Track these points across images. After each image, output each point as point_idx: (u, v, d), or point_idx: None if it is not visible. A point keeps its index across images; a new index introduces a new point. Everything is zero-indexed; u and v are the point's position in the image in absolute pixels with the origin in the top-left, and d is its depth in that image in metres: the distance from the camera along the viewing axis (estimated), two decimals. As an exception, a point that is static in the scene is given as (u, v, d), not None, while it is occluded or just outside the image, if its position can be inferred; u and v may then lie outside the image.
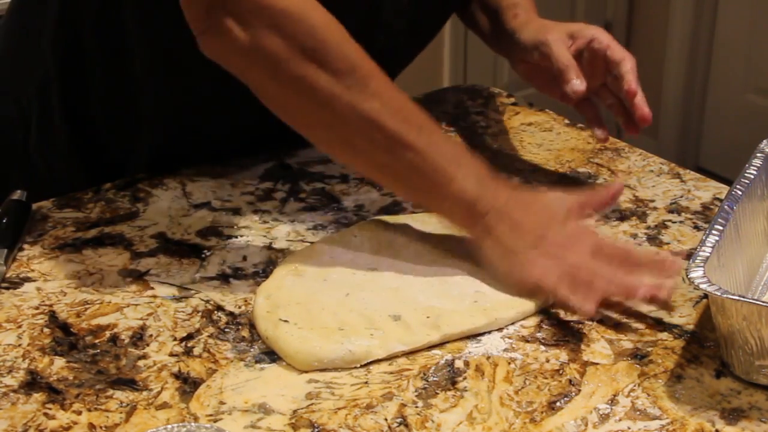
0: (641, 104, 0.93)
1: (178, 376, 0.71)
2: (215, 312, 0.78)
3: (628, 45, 2.97)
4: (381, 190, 0.97)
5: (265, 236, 0.89)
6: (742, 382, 0.70)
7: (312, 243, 0.87)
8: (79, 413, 0.67)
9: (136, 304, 0.79)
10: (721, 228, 0.74)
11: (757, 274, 0.81)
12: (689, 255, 0.74)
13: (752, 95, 2.84)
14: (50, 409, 0.68)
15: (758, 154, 0.85)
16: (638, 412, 0.67)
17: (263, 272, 0.83)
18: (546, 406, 0.68)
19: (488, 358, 0.73)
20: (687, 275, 0.69)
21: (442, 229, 0.87)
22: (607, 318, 0.77)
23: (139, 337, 0.75)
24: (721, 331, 0.70)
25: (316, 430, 0.66)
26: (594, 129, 0.99)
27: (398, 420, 0.66)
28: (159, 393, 0.69)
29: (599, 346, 0.74)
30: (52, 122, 1.01)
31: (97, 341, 0.75)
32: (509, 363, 0.72)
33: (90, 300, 0.80)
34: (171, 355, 0.73)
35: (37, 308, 0.79)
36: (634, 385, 0.70)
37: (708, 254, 0.71)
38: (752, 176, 0.82)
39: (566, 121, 1.14)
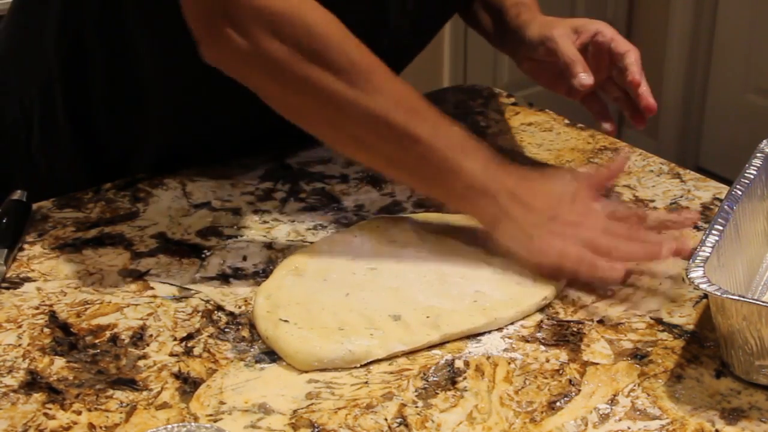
0: (646, 94, 0.93)
1: (178, 376, 0.71)
2: (215, 312, 0.78)
3: (628, 45, 2.96)
4: (381, 190, 0.97)
5: (265, 236, 0.89)
6: (742, 382, 0.70)
7: (312, 243, 0.87)
8: (79, 413, 0.67)
9: (136, 304, 0.79)
10: (721, 228, 0.74)
11: (757, 274, 0.81)
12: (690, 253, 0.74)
13: (752, 95, 2.84)
14: (50, 409, 0.68)
15: (758, 154, 0.85)
16: (638, 412, 0.67)
17: (263, 272, 0.83)
18: (546, 406, 0.68)
19: (488, 358, 0.73)
20: (687, 275, 0.69)
21: (442, 229, 0.87)
22: (607, 318, 0.77)
23: (139, 337, 0.75)
24: (721, 331, 0.70)
25: (316, 430, 0.66)
26: (601, 123, 0.99)
27: (398, 420, 0.66)
28: (159, 393, 0.69)
29: (599, 346, 0.74)
30: (55, 122, 1.01)
31: (97, 341, 0.75)
32: (509, 363, 0.72)
33: (90, 300, 0.80)
34: (171, 355, 0.73)
35: (37, 308, 0.79)
36: (634, 385, 0.70)
37: (708, 254, 0.71)
38: (752, 176, 0.82)
39: (566, 121, 1.14)
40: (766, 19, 2.73)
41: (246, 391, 0.69)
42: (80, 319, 0.77)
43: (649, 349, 0.74)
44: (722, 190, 0.97)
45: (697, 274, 0.69)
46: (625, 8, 3.06)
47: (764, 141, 0.87)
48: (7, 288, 0.81)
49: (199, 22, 0.80)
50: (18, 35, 1.04)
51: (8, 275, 0.83)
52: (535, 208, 0.81)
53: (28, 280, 0.83)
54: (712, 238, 0.73)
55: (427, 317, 0.75)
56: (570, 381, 0.70)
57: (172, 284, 0.82)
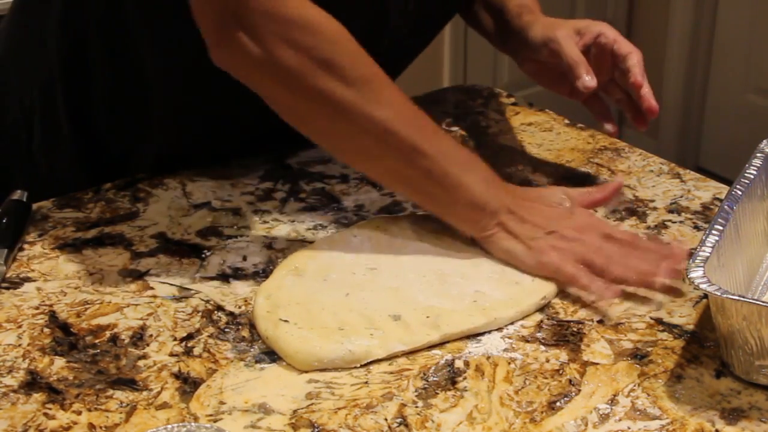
0: (648, 96, 0.94)
1: (178, 376, 0.71)
2: (215, 312, 0.78)
3: (628, 45, 2.96)
4: (381, 190, 0.97)
5: (265, 236, 0.89)
6: (742, 382, 0.70)
7: (312, 243, 0.87)
8: (79, 413, 0.67)
9: (136, 304, 0.79)
10: (721, 228, 0.74)
11: (757, 274, 0.81)
12: (690, 253, 0.74)
13: (752, 95, 2.84)
14: (50, 409, 0.68)
15: (758, 154, 0.85)
16: (638, 412, 0.67)
17: (263, 272, 0.83)
18: (546, 406, 0.68)
19: (488, 358, 0.73)
20: (687, 275, 0.69)
21: (442, 229, 0.87)
22: (607, 318, 0.77)
23: (139, 337, 0.75)
24: (721, 331, 0.70)
25: (316, 430, 0.66)
26: (603, 124, 0.99)
27: (398, 420, 0.66)
28: (159, 393, 0.69)
29: (599, 346, 0.74)
30: (56, 122, 1.01)
31: (97, 341, 0.75)
32: (509, 363, 0.72)
33: (90, 300, 0.80)
34: (171, 355, 0.73)
35: (37, 308, 0.79)
36: (634, 385, 0.70)
37: (708, 254, 0.71)
38: (752, 176, 0.82)
39: (566, 121, 1.14)
40: (766, 19, 2.73)
41: (246, 391, 0.69)
42: (80, 319, 0.77)
43: (649, 349, 0.74)
44: (722, 190, 0.97)
45: (697, 274, 0.69)
46: (625, 8, 3.06)
47: (764, 141, 0.87)
48: (7, 288, 0.81)
49: (210, 26, 0.80)
50: (19, 35, 1.03)
51: (8, 275, 0.83)
52: (534, 223, 0.82)
53: (28, 280, 0.83)
54: (712, 238, 0.73)
55: (427, 317, 0.75)
56: (570, 381, 0.70)
57: (172, 284, 0.82)
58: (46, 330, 0.76)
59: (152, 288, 0.81)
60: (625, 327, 0.76)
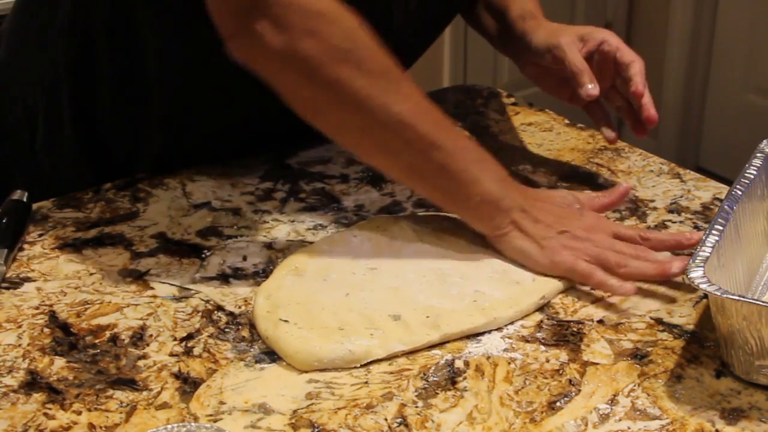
0: (648, 105, 0.95)
1: (178, 376, 0.71)
2: (215, 312, 0.78)
3: (628, 45, 2.96)
4: (381, 190, 0.97)
5: (265, 236, 0.89)
6: (742, 382, 0.70)
7: (312, 243, 0.87)
8: (79, 413, 0.67)
9: (136, 304, 0.79)
10: (721, 228, 0.74)
11: (757, 274, 0.81)
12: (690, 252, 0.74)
13: (752, 95, 2.84)
14: (50, 409, 0.68)
15: (758, 154, 0.85)
16: (638, 412, 0.67)
17: (263, 272, 0.83)
18: (546, 406, 0.68)
19: (488, 358, 0.73)
20: (687, 275, 0.69)
21: (442, 229, 0.87)
22: (607, 318, 0.77)
23: (139, 337, 0.75)
24: (721, 331, 0.70)
25: (316, 430, 0.66)
26: (603, 130, 1.00)
27: (398, 420, 0.66)
28: (159, 393, 0.69)
29: (599, 346, 0.74)
30: (60, 122, 1.01)
31: (97, 341, 0.75)
32: (509, 363, 0.72)
33: (90, 300, 0.80)
34: (171, 355, 0.73)
35: (37, 308, 0.79)
36: (634, 385, 0.70)
37: (708, 254, 0.71)
38: (752, 176, 0.82)
39: (566, 121, 1.14)
40: (766, 19, 2.73)
41: (246, 391, 0.69)
42: (80, 319, 0.77)
43: (649, 349, 0.74)
44: (722, 190, 0.97)
45: (697, 274, 0.69)
46: (625, 8, 3.06)
47: (764, 141, 0.87)
48: (7, 288, 0.81)
49: (229, 16, 0.79)
50: (23, 35, 1.03)
51: (8, 275, 0.83)
52: (546, 222, 0.83)
53: (28, 280, 0.83)
54: (712, 238, 0.73)
55: (427, 317, 0.75)
56: (570, 381, 0.70)
57: (172, 284, 0.82)
58: (46, 330, 0.76)
59: (152, 288, 0.81)
60: (625, 327, 0.76)
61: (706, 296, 0.77)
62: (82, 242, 0.88)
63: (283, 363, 0.72)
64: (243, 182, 0.99)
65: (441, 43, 2.66)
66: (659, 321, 0.77)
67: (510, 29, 1.03)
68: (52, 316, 0.78)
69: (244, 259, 0.86)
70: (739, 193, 0.79)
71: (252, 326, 0.76)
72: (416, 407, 0.68)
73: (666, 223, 0.92)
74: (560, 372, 0.71)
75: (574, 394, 0.69)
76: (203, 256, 0.86)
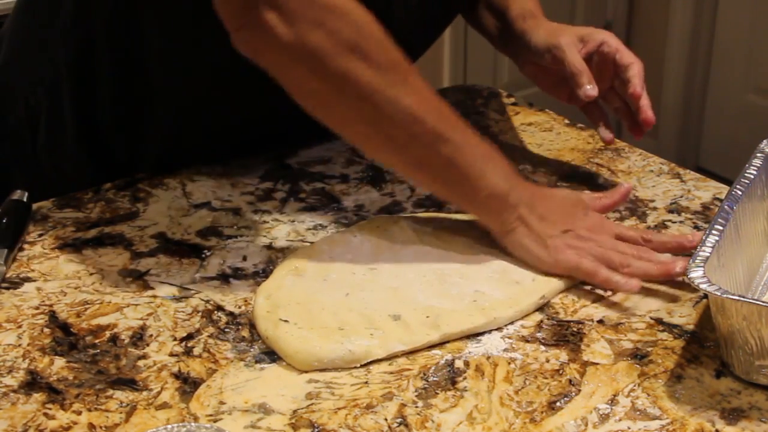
0: (645, 107, 0.95)
1: (178, 376, 0.71)
2: (215, 312, 0.78)
3: (628, 45, 2.95)
4: (381, 190, 0.97)
5: (265, 236, 0.89)
6: (742, 382, 0.70)
7: (312, 243, 0.87)
8: (79, 413, 0.67)
9: (136, 304, 0.79)
10: (721, 228, 0.74)
11: (757, 274, 0.81)
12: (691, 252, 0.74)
13: (752, 95, 2.84)
14: (50, 409, 0.68)
15: (758, 154, 0.85)
16: (638, 412, 0.67)
17: (263, 272, 0.83)
18: (546, 406, 0.68)
19: (488, 358, 0.73)
20: (687, 275, 0.69)
21: (442, 229, 0.87)
22: (607, 318, 0.77)
23: (139, 337, 0.75)
24: (721, 331, 0.70)
25: (316, 430, 0.66)
26: (600, 131, 1.00)
27: (398, 420, 0.66)
28: (159, 393, 0.69)
29: (599, 346, 0.74)
30: (61, 122, 1.01)
31: (97, 341, 0.75)
32: (509, 363, 0.72)
33: (90, 300, 0.80)
34: (171, 355, 0.73)
35: (37, 308, 0.79)
36: (634, 385, 0.70)
37: (708, 254, 0.71)
38: (752, 176, 0.82)
39: (566, 121, 1.14)
40: (766, 19, 2.73)
41: (246, 391, 0.69)
42: (80, 319, 0.77)
43: (649, 349, 0.74)
44: (722, 190, 0.97)
45: (697, 274, 0.69)
46: (625, 8, 3.05)
47: (764, 141, 0.87)
48: (7, 288, 0.81)
49: (237, 8, 0.79)
50: (25, 35, 1.03)
51: (8, 275, 0.83)
52: (551, 219, 0.83)
53: (28, 280, 0.83)
54: (712, 238, 0.73)
55: (427, 317, 0.75)
56: (570, 381, 0.70)
57: (172, 284, 0.82)
58: (46, 330, 0.76)
59: (152, 288, 0.81)
60: (625, 327, 0.76)
61: (706, 296, 0.77)
62: (82, 242, 0.88)
63: (283, 363, 0.72)
64: (243, 182, 0.99)
65: (441, 43, 2.66)
66: (659, 321, 0.77)
67: (510, 28, 1.04)
68: (52, 316, 0.78)
69: (244, 259, 0.86)
70: (739, 193, 0.79)
71: (252, 326, 0.76)
72: (416, 407, 0.68)
73: (666, 223, 0.92)
74: (560, 372, 0.71)
75: (574, 394, 0.69)
76: (203, 256, 0.86)
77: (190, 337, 0.75)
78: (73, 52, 0.98)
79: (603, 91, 0.98)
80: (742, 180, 0.81)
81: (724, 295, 0.67)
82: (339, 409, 0.68)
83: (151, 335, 0.75)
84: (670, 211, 0.94)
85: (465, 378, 0.71)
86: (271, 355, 0.73)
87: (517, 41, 1.03)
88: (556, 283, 0.80)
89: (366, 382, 0.70)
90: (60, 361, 0.72)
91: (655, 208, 0.94)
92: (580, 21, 2.84)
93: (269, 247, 0.88)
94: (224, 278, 0.83)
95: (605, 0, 3.02)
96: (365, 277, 0.81)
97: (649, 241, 0.84)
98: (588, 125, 1.10)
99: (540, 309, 0.79)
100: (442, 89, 1.31)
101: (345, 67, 0.78)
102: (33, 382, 0.70)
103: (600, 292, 0.81)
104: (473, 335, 0.75)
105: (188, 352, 0.74)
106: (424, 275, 0.81)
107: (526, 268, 0.82)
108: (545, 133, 1.11)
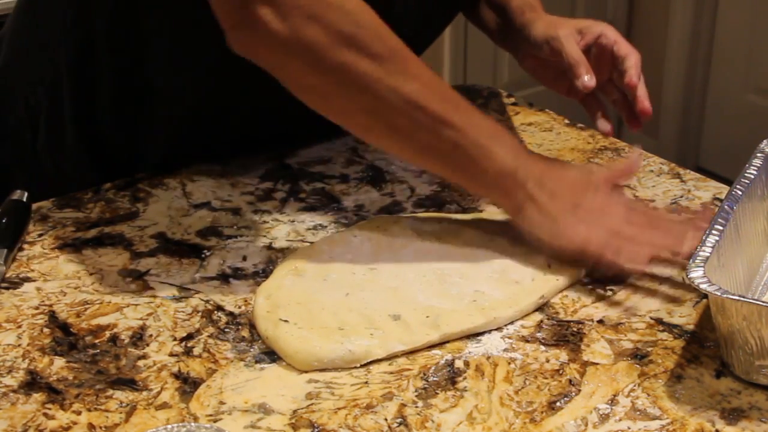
0: (642, 98, 0.95)
1: (178, 376, 0.71)
2: (215, 312, 0.78)
3: (628, 45, 2.95)
4: (381, 190, 0.97)
5: (265, 236, 0.89)
6: (742, 382, 0.70)
7: (312, 243, 0.87)
8: (79, 413, 0.67)
9: (136, 304, 0.79)
10: (721, 228, 0.74)
11: (757, 274, 0.81)
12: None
13: (752, 95, 2.84)
14: (50, 409, 0.68)
15: (758, 154, 0.85)
16: (638, 412, 0.67)
17: (263, 272, 0.83)
18: (546, 406, 0.68)
19: (488, 358, 0.73)
20: (687, 275, 0.69)
21: (442, 229, 0.87)
22: (607, 318, 0.77)
23: (139, 337, 0.75)
24: (721, 331, 0.70)
25: (316, 430, 0.66)
26: (598, 122, 1.00)
27: (398, 420, 0.66)
28: (159, 393, 0.69)
29: (599, 346, 0.74)
30: (62, 122, 1.01)
31: (97, 341, 0.75)
32: (509, 363, 0.72)
33: (90, 300, 0.80)
34: (171, 355, 0.73)
35: (37, 308, 0.79)
36: (634, 385, 0.70)
37: (708, 254, 0.71)
38: (752, 176, 0.82)
39: (566, 121, 1.14)
40: (766, 19, 2.73)
41: (246, 391, 0.69)
42: (80, 319, 0.77)
43: (649, 349, 0.74)
44: (722, 190, 0.97)
45: (697, 274, 0.69)
46: (625, 8, 3.06)
47: (764, 141, 0.87)
48: (7, 288, 0.81)
49: (230, 6, 0.78)
50: (25, 35, 1.03)
51: (8, 275, 0.83)
52: (561, 195, 0.82)
53: (28, 280, 0.83)
54: (712, 238, 0.73)
55: (427, 317, 0.75)
56: (570, 381, 0.70)
57: (172, 284, 0.82)
58: (46, 330, 0.76)
59: (152, 288, 0.81)
60: (625, 327, 0.76)
61: (706, 296, 0.77)
62: (82, 242, 0.88)
63: (283, 363, 0.72)
64: (243, 182, 0.99)
65: (441, 42, 2.66)
66: (659, 321, 0.77)
67: (510, 22, 1.04)
68: (52, 316, 0.78)
69: (244, 259, 0.86)
70: (739, 193, 0.79)
71: (252, 326, 0.76)
72: (416, 407, 0.68)
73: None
74: (560, 372, 0.71)
75: (574, 394, 0.69)
76: (203, 256, 0.86)
77: (190, 337, 0.75)
78: (73, 52, 0.98)
79: (601, 83, 0.98)
80: (742, 180, 0.81)
81: (724, 295, 0.67)
82: (339, 409, 0.68)
83: (151, 335, 0.75)
84: (670, 211, 0.94)
85: (465, 378, 0.71)
86: (271, 355, 0.73)
87: (516, 34, 1.03)
88: (555, 283, 0.80)
89: (366, 382, 0.70)
90: (60, 361, 0.72)
91: (655, 208, 0.94)
92: (580, 21, 2.84)
93: (269, 247, 0.88)
94: (224, 278, 0.83)
95: (605, 0, 3.02)
96: (365, 277, 0.81)
97: (662, 217, 0.85)
98: (588, 125, 1.10)
99: (540, 309, 0.79)
100: (442, 89, 1.31)
101: (342, 59, 0.77)
102: (33, 382, 0.70)
103: (600, 291, 0.81)
104: (473, 335, 0.75)
105: (188, 352, 0.74)
106: (424, 275, 0.81)
107: (526, 268, 0.81)
108: (545, 133, 1.11)
